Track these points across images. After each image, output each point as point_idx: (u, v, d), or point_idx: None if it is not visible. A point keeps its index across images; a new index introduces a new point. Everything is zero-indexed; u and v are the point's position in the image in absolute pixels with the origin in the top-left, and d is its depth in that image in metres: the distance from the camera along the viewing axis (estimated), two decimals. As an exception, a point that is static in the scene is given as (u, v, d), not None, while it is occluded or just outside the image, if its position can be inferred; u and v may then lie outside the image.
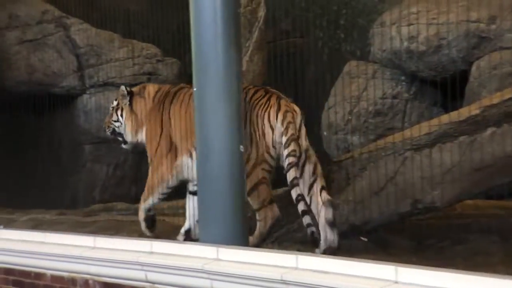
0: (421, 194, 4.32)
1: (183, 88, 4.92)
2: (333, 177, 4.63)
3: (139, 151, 5.57)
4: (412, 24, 6.13)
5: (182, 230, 4.80)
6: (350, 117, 6.79)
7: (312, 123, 6.36)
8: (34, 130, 7.46)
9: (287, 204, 4.64)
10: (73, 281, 4.53)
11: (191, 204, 4.71)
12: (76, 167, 7.88)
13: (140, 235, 4.88)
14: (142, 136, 4.98)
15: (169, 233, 4.90)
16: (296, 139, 4.21)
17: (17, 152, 7.24)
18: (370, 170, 4.46)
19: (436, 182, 4.27)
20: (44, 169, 7.53)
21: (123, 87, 5.14)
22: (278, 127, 4.29)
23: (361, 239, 4.54)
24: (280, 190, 4.76)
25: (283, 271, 3.31)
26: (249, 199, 4.23)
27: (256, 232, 4.40)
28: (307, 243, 4.37)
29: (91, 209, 6.80)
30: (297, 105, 4.45)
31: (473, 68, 6.00)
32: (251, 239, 4.26)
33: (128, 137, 5.05)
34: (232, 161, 3.88)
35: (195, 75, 3.97)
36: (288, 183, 4.18)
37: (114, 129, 5.10)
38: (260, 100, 4.40)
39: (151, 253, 4.08)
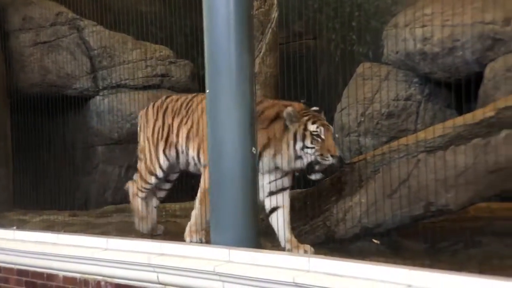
0: (434, 196, 4.28)
1: None
2: (346, 179, 4.62)
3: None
4: (426, 26, 6.07)
5: None
6: (362, 119, 6.75)
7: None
8: (47, 132, 7.49)
9: (299, 207, 4.64)
10: (85, 282, 4.54)
11: None
12: (89, 168, 7.90)
13: (152, 236, 4.89)
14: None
15: (180, 235, 4.90)
16: None
17: (30, 153, 7.25)
18: (383, 172, 4.43)
19: (449, 185, 4.23)
20: (57, 170, 7.55)
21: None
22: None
23: (373, 241, 4.51)
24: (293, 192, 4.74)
25: (295, 273, 3.30)
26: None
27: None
28: (319, 245, 4.36)
29: (103, 211, 6.82)
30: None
31: (487, 70, 5.93)
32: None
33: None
34: (244, 163, 3.86)
35: (207, 77, 3.96)
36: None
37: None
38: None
39: (162, 254, 4.08)
